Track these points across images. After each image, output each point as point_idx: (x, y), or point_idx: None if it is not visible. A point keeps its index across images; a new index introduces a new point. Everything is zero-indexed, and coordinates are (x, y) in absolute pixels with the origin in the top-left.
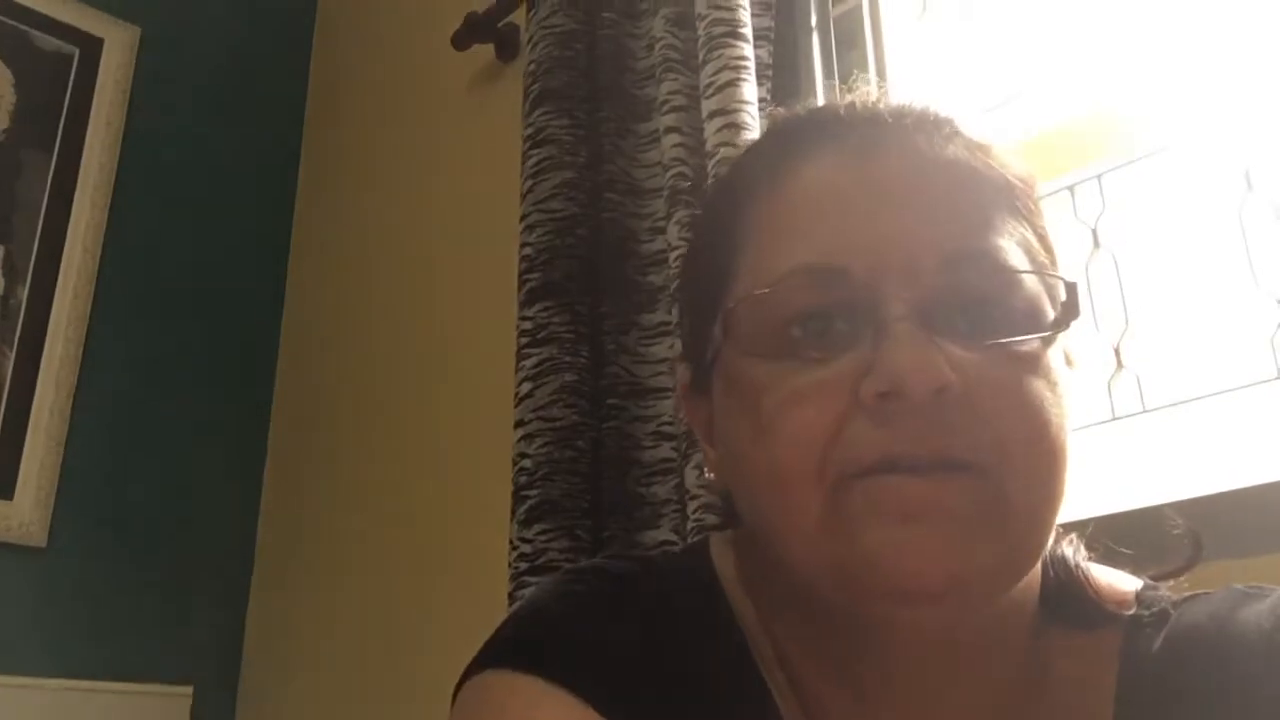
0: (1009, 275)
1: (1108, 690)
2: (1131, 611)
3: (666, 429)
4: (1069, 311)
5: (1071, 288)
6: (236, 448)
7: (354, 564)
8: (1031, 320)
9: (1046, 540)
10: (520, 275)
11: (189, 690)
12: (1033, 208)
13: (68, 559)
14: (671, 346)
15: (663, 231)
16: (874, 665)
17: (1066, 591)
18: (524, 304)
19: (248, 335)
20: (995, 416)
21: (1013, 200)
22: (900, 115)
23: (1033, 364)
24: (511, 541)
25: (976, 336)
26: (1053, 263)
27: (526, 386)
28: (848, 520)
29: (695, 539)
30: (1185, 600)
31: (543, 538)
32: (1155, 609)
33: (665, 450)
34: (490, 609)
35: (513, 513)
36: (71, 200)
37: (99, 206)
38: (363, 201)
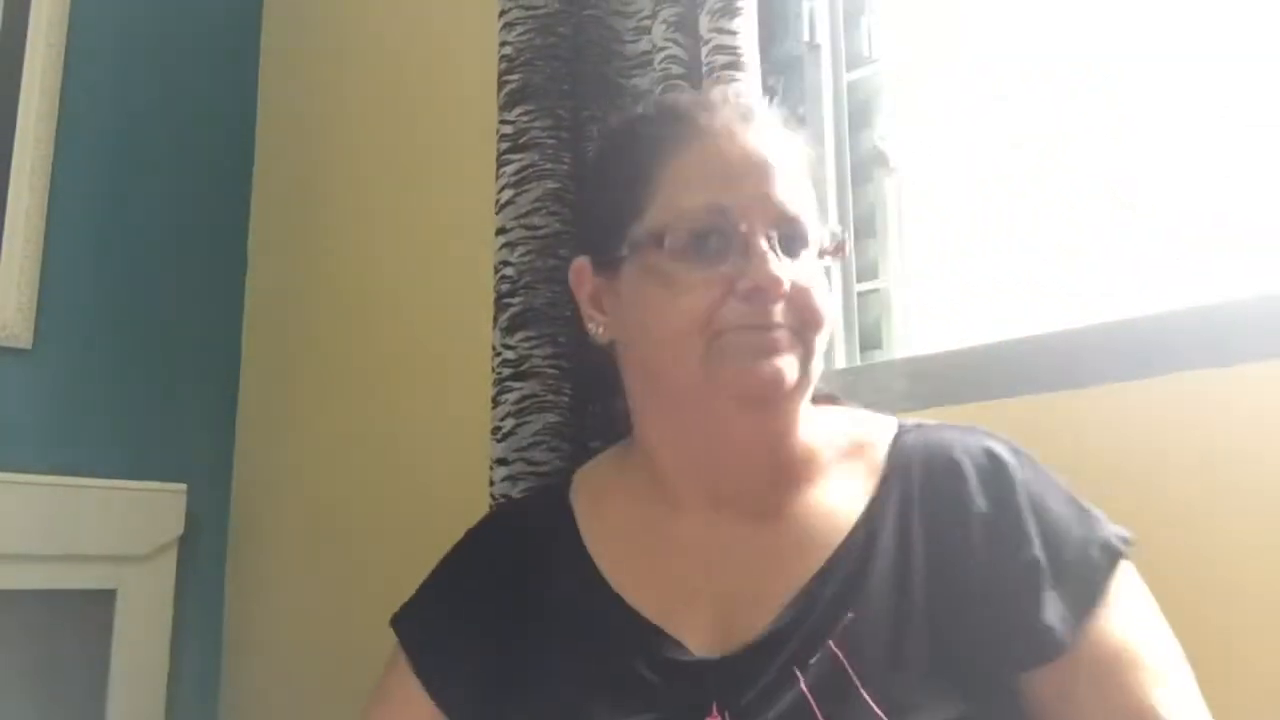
0: (807, 228)
1: (874, 472)
2: (893, 421)
3: None
4: (838, 244)
5: (837, 232)
6: (219, 242)
7: (340, 362)
8: (819, 248)
9: (816, 377)
10: (500, 76)
11: (183, 488)
12: (814, 175)
13: (55, 360)
14: None
15: (648, 32)
16: (721, 459)
17: (834, 417)
18: (504, 107)
19: (225, 126)
20: (805, 303)
21: (808, 173)
22: (751, 111)
23: (820, 273)
24: (494, 348)
25: (795, 255)
26: (824, 207)
27: (508, 194)
28: (720, 357)
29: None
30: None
31: (525, 344)
32: (908, 424)
33: None
34: (474, 411)
35: (495, 320)
36: None
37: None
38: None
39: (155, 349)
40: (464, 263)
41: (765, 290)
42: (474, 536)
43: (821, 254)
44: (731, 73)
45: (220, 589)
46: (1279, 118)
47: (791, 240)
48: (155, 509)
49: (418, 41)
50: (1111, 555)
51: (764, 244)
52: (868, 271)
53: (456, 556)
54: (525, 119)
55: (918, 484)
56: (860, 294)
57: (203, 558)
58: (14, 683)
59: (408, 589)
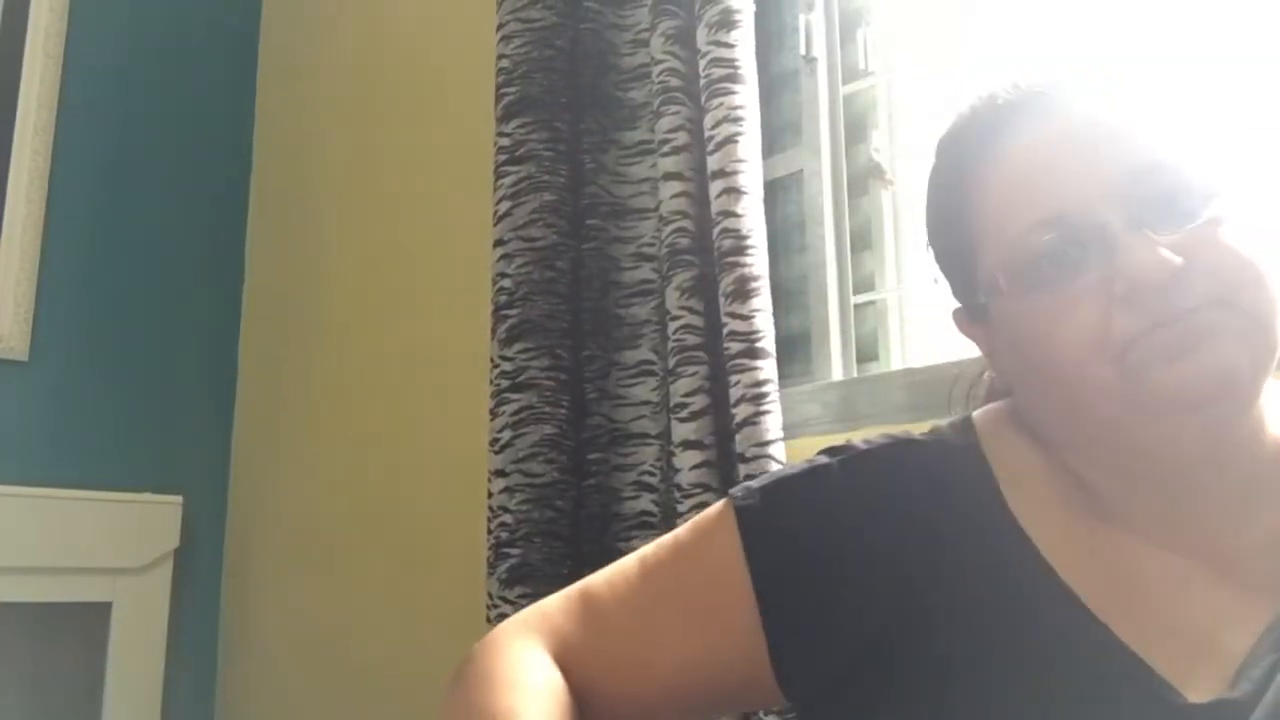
0: (1180, 173)
1: None
2: None
3: (647, 250)
4: (1226, 181)
5: (1216, 164)
6: (215, 254)
7: (337, 375)
8: (1208, 195)
9: (1278, 345)
10: (497, 89)
11: (179, 500)
12: (1186, 107)
13: (51, 372)
14: (653, 166)
15: (645, 45)
16: (1156, 488)
17: None
18: (501, 120)
19: (223, 139)
20: (1217, 269)
21: (1168, 108)
22: (1060, 81)
23: (1224, 224)
24: (492, 359)
25: (1181, 219)
26: (1204, 143)
27: (505, 205)
28: (1135, 374)
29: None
30: None
31: (523, 356)
32: None
33: (645, 271)
34: (472, 421)
35: (493, 331)
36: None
37: (58, 11)
38: (335, 12)
39: (152, 361)
40: (461, 275)
41: (1145, 286)
42: (876, 462)
43: (1211, 198)
44: (728, 85)
45: (216, 601)
46: None
47: (1166, 199)
48: (151, 521)
49: (416, 53)
50: None
51: (1123, 228)
52: (865, 283)
53: (846, 470)
54: (522, 131)
55: None
56: (857, 306)
57: (199, 570)
58: (10, 695)
59: (405, 601)
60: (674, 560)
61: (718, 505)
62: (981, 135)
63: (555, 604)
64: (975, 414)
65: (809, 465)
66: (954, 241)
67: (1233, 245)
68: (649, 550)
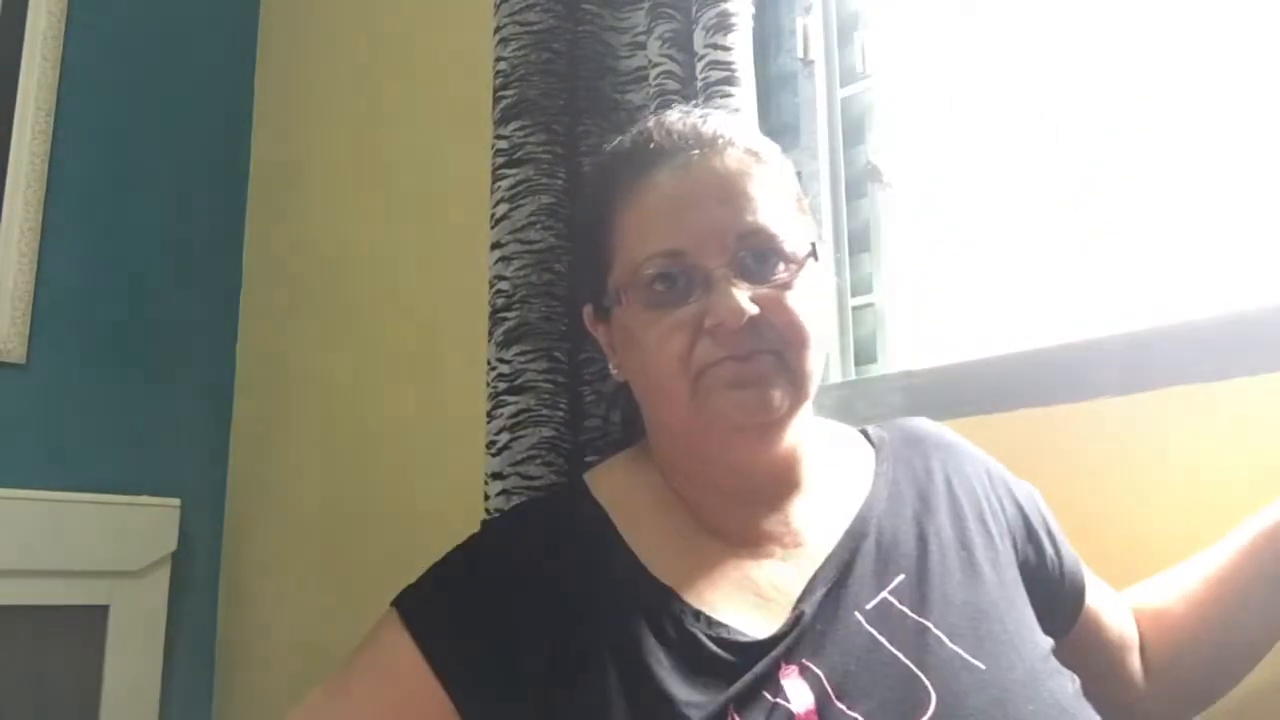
0: (775, 239)
1: (869, 463)
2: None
3: None
4: (811, 254)
5: (811, 240)
6: (212, 256)
7: (334, 377)
8: (794, 262)
9: (814, 390)
10: (495, 92)
11: (177, 503)
12: (788, 184)
13: (49, 375)
14: None
15: (643, 47)
16: (725, 479)
17: (833, 430)
18: (499, 123)
19: (220, 142)
20: (780, 324)
21: (776, 184)
22: (704, 138)
23: (797, 287)
24: (489, 362)
25: (765, 277)
26: (805, 215)
27: (503, 208)
28: (704, 394)
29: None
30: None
31: (521, 358)
32: (877, 431)
33: None
34: (469, 426)
35: (490, 334)
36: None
37: (55, 14)
38: (333, 15)
39: (150, 363)
40: (459, 277)
41: (727, 324)
42: (497, 529)
43: (791, 264)
44: (726, 88)
45: (214, 604)
46: (1267, 131)
47: (760, 259)
48: (149, 524)
49: (413, 57)
50: None
51: (722, 276)
52: (862, 286)
53: (479, 547)
54: (520, 134)
55: (907, 459)
56: (855, 308)
57: (196, 573)
58: (7, 698)
59: None
60: (359, 681)
61: (381, 616)
62: (632, 168)
63: None
64: (586, 474)
65: (456, 549)
66: (592, 250)
67: (794, 308)
68: (332, 684)
